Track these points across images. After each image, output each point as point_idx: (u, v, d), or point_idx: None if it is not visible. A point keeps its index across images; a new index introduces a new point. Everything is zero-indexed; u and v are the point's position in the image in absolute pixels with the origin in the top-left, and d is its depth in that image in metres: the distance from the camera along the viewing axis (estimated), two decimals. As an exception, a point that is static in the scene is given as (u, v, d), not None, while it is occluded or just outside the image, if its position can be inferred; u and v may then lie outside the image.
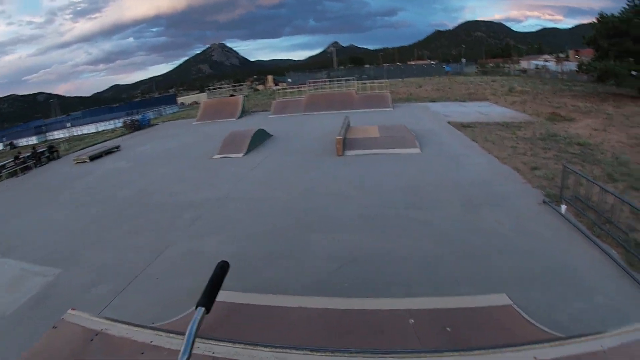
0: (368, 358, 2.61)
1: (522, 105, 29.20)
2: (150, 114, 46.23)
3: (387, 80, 41.98)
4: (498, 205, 10.58)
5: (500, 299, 5.05)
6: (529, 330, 4.17)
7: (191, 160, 19.47)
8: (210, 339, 2.76)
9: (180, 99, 75.24)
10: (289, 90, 43.05)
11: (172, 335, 2.89)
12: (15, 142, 45.43)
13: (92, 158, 22.89)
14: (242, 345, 2.73)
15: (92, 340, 2.94)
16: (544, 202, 10.54)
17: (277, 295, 5.85)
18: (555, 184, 11.54)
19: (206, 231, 10.51)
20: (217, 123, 33.07)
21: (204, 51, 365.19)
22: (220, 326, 4.25)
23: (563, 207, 9.76)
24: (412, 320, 4.36)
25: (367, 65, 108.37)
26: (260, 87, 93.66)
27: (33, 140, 43.54)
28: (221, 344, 2.75)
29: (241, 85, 51.44)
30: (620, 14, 30.34)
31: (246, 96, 40.50)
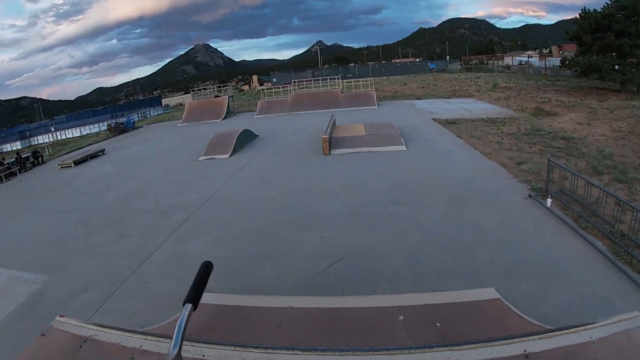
0: (359, 356, 2.59)
1: (506, 101, 29.42)
2: (134, 117, 45.86)
3: (372, 78, 42.05)
4: (484, 201, 10.64)
5: (488, 293, 5.07)
6: (518, 323, 4.19)
7: (177, 162, 19.35)
8: (200, 342, 2.73)
9: (164, 101, 74.51)
10: (274, 90, 42.96)
11: (161, 339, 2.86)
12: (-1, 147, 45.00)
13: (77, 162, 22.62)
14: (232, 347, 2.71)
15: (81, 346, 2.90)
16: (530, 196, 10.61)
17: (266, 296, 5.82)
18: (541, 178, 11.63)
19: (194, 233, 10.44)
20: (203, 124, 32.95)
21: (187, 52, 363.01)
22: (210, 329, 4.22)
23: (549, 201, 9.84)
24: (402, 317, 4.36)
25: (352, 64, 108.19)
26: (246, 87, 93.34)
27: (17, 145, 42.94)
28: (211, 346, 2.72)
29: (226, 85, 51.21)
30: (602, 9, 30.65)
31: (231, 97, 40.29)
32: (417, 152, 16.39)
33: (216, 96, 42.96)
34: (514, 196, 10.85)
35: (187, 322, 1.91)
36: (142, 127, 39.18)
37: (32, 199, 16.56)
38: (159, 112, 55.81)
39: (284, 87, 42.74)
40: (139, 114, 51.22)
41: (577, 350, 2.43)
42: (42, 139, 44.83)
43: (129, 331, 3.00)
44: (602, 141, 16.05)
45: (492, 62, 78.91)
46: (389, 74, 72.74)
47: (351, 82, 39.47)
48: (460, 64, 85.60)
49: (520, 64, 65.32)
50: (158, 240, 10.16)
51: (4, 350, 6.32)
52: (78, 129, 45.40)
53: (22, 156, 24.65)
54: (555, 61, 52.44)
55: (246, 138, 21.65)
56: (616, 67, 28.90)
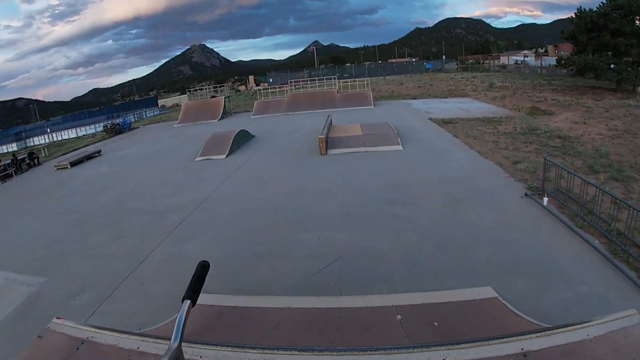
0: (356, 356, 2.59)
1: (502, 100, 29.46)
2: (131, 118, 45.76)
3: (368, 78, 42.07)
4: (481, 200, 10.65)
5: (485, 292, 5.08)
6: (515, 321, 4.20)
7: (173, 163, 19.30)
8: (198, 343, 2.73)
9: (161, 102, 74.37)
10: (271, 90, 42.94)
11: (158, 340, 2.85)
12: (-5, 149, 44.81)
13: (73, 164, 22.52)
14: (229, 348, 2.70)
15: (78, 348, 2.89)
16: (526, 195, 10.63)
17: (263, 296, 5.82)
18: (537, 177, 11.65)
19: (190, 234, 10.41)
20: (199, 125, 32.90)
21: (184, 52, 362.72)
22: (207, 329, 4.22)
23: (545, 200, 9.85)
24: (400, 316, 4.37)
25: (348, 64, 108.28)
26: (242, 87, 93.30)
27: (13, 146, 42.80)
28: (209, 347, 2.72)
29: (222, 86, 51.06)
30: (598, 8, 30.74)
31: (227, 97, 40.26)
32: (413, 151, 16.39)
33: (212, 97, 42.85)
34: (510, 195, 10.86)
35: (186, 317, 1.95)
36: (138, 127, 39.09)
37: (28, 200, 16.50)
38: (155, 113, 55.71)
39: (280, 88, 42.75)
40: (135, 115, 51.11)
41: (575, 348, 2.43)
42: (38, 140, 44.69)
43: (126, 333, 2.99)
44: (598, 140, 16.09)
45: (488, 61, 79.03)
46: (386, 74, 72.75)
47: (347, 82, 39.48)
48: (457, 64, 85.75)
49: (516, 63, 65.47)
50: (155, 241, 10.13)
51: (1, 352, 6.29)
52: (74, 130, 45.26)
53: (18, 157, 24.53)
54: (551, 60, 52.58)
55: (243, 138, 21.62)
56: (612, 66, 28.99)
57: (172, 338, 1.84)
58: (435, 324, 4.25)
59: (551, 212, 9.41)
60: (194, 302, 2.07)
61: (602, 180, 11.18)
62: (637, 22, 29.41)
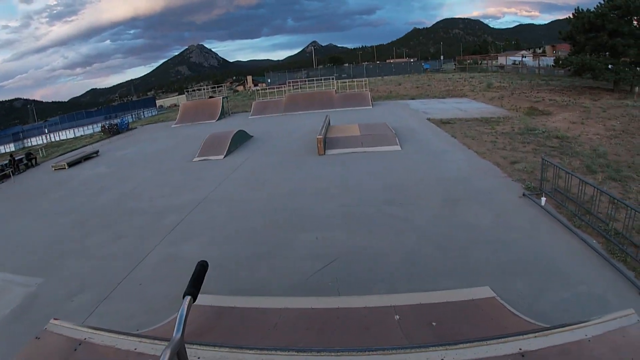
0: (354, 356, 2.59)
1: (500, 100, 29.49)
2: (128, 118, 45.69)
3: (366, 78, 42.08)
4: (479, 200, 10.66)
5: (483, 292, 5.07)
6: (513, 321, 4.19)
7: (171, 163, 19.28)
8: (196, 344, 2.72)
9: (159, 102, 74.25)
10: (269, 90, 42.93)
11: (156, 341, 2.84)
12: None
13: (71, 164, 22.49)
14: (227, 349, 2.70)
15: (75, 349, 2.88)
16: (524, 195, 10.64)
17: (261, 297, 5.82)
18: (535, 177, 11.66)
19: (188, 235, 10.40)
20: (197, 125, 32.89)
21: (182, 53, 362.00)
22: (205, 330, 4.21)
23: (543, 200, 9.86)
24: (398, 317, 4.36)
25: (347, 64, 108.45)
26: (240, 88, 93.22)
27: (11, 147, 42.67)
28: (206, 348, 2.71)
29: (220, 86, 51.02)
30: (595, 9, 30.79)
31: (225, 97, 40.23)
32: (411, 152, 16.40)
33: (210, 97, 42.83)
34: (508, 195, 10.88)
35: (187, 312, 1.98)
36: (136, 128, 39.05)
37: (25, 201, 16.47)
38: (153, 113, 55.66)
39: (278, 88, 42.75)
40: (133, 115, 51.07)
41: (572, 348, 2.43)
42: (36, 141, 44.55)
43: (124, 334, 2.98)
44: (595, 140, 16.11)
45: (486, 62, 79.24)
46: (384, 74, 72.84)
47: (346, 82, 39.51)
48: (455, 64, 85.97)
49: (514, 63, 65.58)
50: (152, 242, 10.11)
51: (-2, 353, 6.28)
52: (72, 131, 45.17)
53: (16, 158, 24.49)
54: (548, 61, 52.71)
55: (241, 139, 21.62)
56: (609, 66, 29.05)
57: (175, 330, 1.86)
58: (434, 324, 4.24)
59: (549, 212, 9.42)
60: (194, 298, 2.09)
61: (599, 180, 11.19)
62: (635, 22, 29.47)
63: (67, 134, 44.81)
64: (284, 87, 41.46)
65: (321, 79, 41.55)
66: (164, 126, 36.67)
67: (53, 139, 43.97)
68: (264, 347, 2.76)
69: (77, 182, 18.37)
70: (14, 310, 7.73)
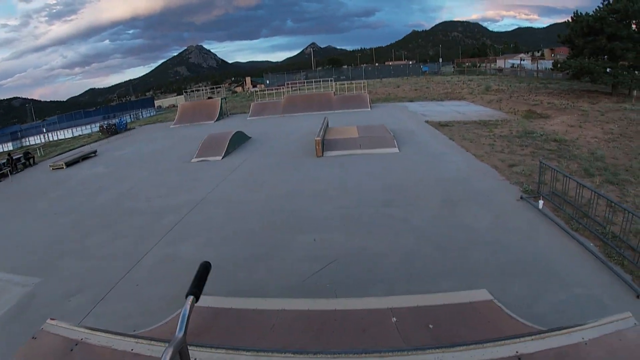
0: (351, 358, 2.59)
1: (498, 103, 29.55)
2: (127, 118, 45.66)
3: (365, 80, 42.12)
4: (477, 202, 10.67)
5: (481, 294, 5.07)
6: (510, 324, 4.20)
7: (169, 164, 19.25)
8: (192, 345, 2.70)
9: (157, 102, 74.20)
10: (267, 92, 42.92)
11: (152, 342, 2.84)
12: (-9, 148, 44.53)
13: (69, 164, 22.41)
14: (223, 350, 2.70)
15: (72, 350, 2.88)
16: (522, 198, 10.65)
17: (259, 298, 5.80)
18: (533, 180, 11.68)
19: (185, 236, 10.39)
20: (195, 126, 32.86)
21: (181, 53, 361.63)
22: (202, 331, 4.20)
23: (540, 203, 9.87)
24: (395, 319, 4.36)
25: (345, 66, 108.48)
26: (239, 89, 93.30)
27: (9, 146, 42.56)
28: (203, 349, 2.71)
29: (219, 87, 50.98)
30: (594, 12, 30.89)
31: (224, 98, 40.20)
32: (409, 154, 16.41)
33: (209, 98, 42.82)
34: (506, 198, 10.89)
35: (190, 311, 1.98)
36: (134, 128, 38.97)
37: (23, 200, 16.42)
38: (152, 114, 55.58)
39: (277, 89, 42.71)
40: (132, 116, 51.01)
41: (569, 351, 2.43)
42: (34, 140, 44.47)
43: (120, 334, 2.98)
44: (593, 143, 16.14)
45: (484, 64, 79.41)
46: (382, 77, 72.92)
47: (344, 84, 39.48)
48: (453, 67, 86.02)
49: (512, 66, 65.77)
50: (150, 243, 10.09)
51: (-6, 353, 6.26)
52: (70, 130, 45.13)
53: (14, 157, 24.38)
54: (547, 64, 52.88)
55: (239, 140, 21.60)
56: (608, 70, 29.12)
57: (177, 329, 1.86)
58: (431, 326, 4.24)
59: (546, 215, 9.44)
60: (197, 298, 2.09)
61: (597, 184, 11.21)
62: (633, 26, 29.57)
63: (65, 134, 44.76)
64: (283, 88, 41.48)
65: (320, 81, 41.63)
66: (163, 126, 36.62)
67: (51, 139, 43.91)
68: (261, 349, 2.76)
69: (75, 181, 18.33)
70: (11, 310, 7.70)
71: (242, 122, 31.42)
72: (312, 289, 7.20)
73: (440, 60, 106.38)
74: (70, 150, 29.84)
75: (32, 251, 10.59)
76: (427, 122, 23.74)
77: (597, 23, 29.81)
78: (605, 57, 30.62)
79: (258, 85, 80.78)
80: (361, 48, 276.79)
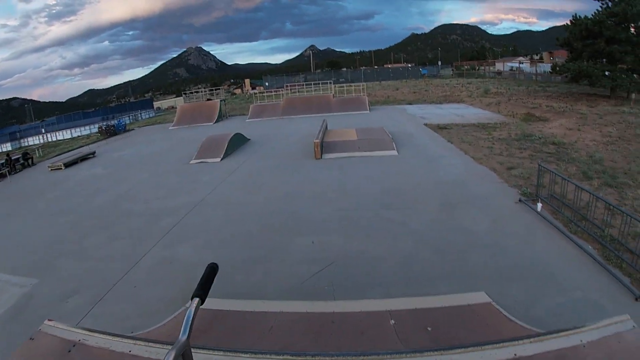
0: (349, 360, 2.59)
1: (497, 106, 29.57)
2: (126, 119, 45.63)
3: (364, 83, 42.14)
4: (475, 205, 10.67)
5: (479, 297, 5.08)
6: (509, 326, 4.19)
7: (168, 165, 19.23)
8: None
9: (156, 104, 74.14)
10: (267, 94, 42.92)
11: (150, 344, 2.84)
12: (-11, 148, 44.45)
13: (67, 165, 22.41)
14: (222, 352, 2.70)
15: (69, 351, 2.87)
16: (520, 200, 10.66)
17: (257, 300, 5.80)
18: (531, 183, 11.69)
19: (183, 238, 10.37)
20: (194, 128, 32.84)
21: (180, 55, 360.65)
22: (200, 333, 4.20)
23: (539, 205, 9.88)
24: (393, 321, 4.36)
25: (344, 69, 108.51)
26: (238, 91, 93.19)
27: (7, 146, 42.48)
28: (201, 351, 2.70)
29: (218, 89, 50.91)
30: (593, 16, 30.91)
31: (223, 100, 40.17)
32: (408, 156, 16.42)
33: (208, 99, 42.77)
34: (504, 201, 10.90)
35: (195, 314, 1.98)
36: (133, 129, 38.93)
37: (21, 201, 16.40)
38: (151, 115, 55.56)
39: (276, 91, 42.70)
40: (131, 117, 50.99)
41: (568, 353, 2.43)
42: (33, 141, 44.42)
43: (118, 336, 2.98)
44: (592, 146, 16.16)
45: (483, 67, 79.39)
46: (381, 79, 72.90)
47: (343, 86, 39.46)
48: (452, 70, 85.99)
49: (511, 69, 65.77)
50: (148, 244, 10.08)
51: (-9, 354, 6.25)
52: (69, 131, 45.10)
53: (12, 158, 24.35)
54: (546, 67, 52.81)
55: (238, 142, 21.59)
56: (606, 73, 29.13)
57: (181, 332, 1.86)
58: (429, 329, 4.24)
59: (545, 218, 9.44)
60: (202, 301, 2.09)
61: (595, 187, 11.22)
62: (632, 29, 29.57)
63: (64, 135, 44.74)
64: (282, 90, 41.48)
65: (319, 83, 41.59)
66: (161, 128, 36.59)
67: (50, 139, 43.87)
68: (259, 351, 2.76)
69: (74, 182, 18.32)
70: (9, 311, 7.69)
71: (241, 124, 31.44)
72: (310, 291, 7.20)
73: (439, 63, 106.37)
74: (69, 151, 29.81)
75: (30, 252, 10.58)
76: (425, 124, 23.75)
77: (595, 26, 29.82)
78: (604, 60, 30.61)
79: (257, 87, 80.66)
80: (360, 51, 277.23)
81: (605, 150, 15.35)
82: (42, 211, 14.30)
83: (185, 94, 47.64)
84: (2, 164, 22.99)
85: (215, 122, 34.86)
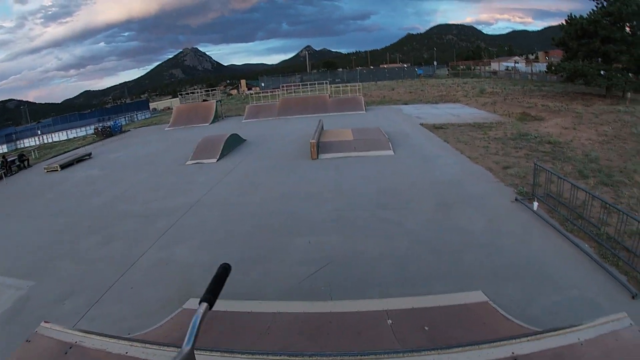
0: (346, 360, 2.58)
1: (493, 106, 29.65)
2: (122, 120, 45.58)
3: (360, 83, 42.19)
4: (471, 204, 10.68)
5: (476, 296, 5.08)
6: (506, 325, 4.20)
7: (164, 166, 19.19)
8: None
9: (152, 105, 74.09)
10: (262, 94, 42.91)
11: (147, 345, 2.83)
12: (-15, 151, 44.32)
13: (63, 166, 22.31)
14: (219, 353, 2.69)
15: (66, 353, 2.86)
16: (516, 199, 10.67)
17: (254, 301, 5.79)
18: (527, 182, 11.70)
19: (180, 238, 10.34)
20: (190, 128, 32.79)
21: (176, 56, 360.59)
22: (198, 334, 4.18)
23: (535, 204, 9.89)
24: (390, 321, 4.36)
25: (340, 69, 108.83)
26: (234, 91, 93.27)
27: (3, 148, 42.37)
28: (197, 352, 2.68)
29: (214, 90, 50.95)
30: (588, 15, 31.03)
31: (219, 101, 40.15)
32: (404, 156, 16.44)
33: (204, 100, 42.71)
34: (500, 200, 10.91)
35: (202, 320, 1.87)
36: (129, 131, 38.83)
37: (17, 202, 16.33)
38: (147, 116, 55.49)
39: (272, 92, 42.76)
40: (127, 118, 50.99)
41: (565, 352, 2.43)
42: (29, 142, 44.31)
43: (115, 337, 2.96)
44: (587, 145, 16.20)
45: (479, 67, 79.73)
46: (377, 79, 73.13)
47: (339, 87, 39.51)
48: (448, 70, 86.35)
49: (507, 69, 66.04)
50: (144, 245, 10.05)
51: (-13, 357, 6.22)
52: (65, 133, 45.04)
53: (8, 159, 24.25)
54: (541, 67, 53.07)
55: (234, 142, 21.57)
56: (602, 72, 29.25)
57: (185, 341, 1.77)
58: (426, 328, 4.24)
59: (541, 217, 9.46)
60: (211, 305, 1.99)
61: (591, 185, 11.25)
62: (627, 29, 29.72)
63: (60, 136, 44.69)
64: (278, 91, 41.49)
65: (315, 84, 41.62)
66: (157, 129, 36.52)
67: (46, 141, 43.79)
68: (256, 352, 2.75)
69: (70, 184, 18.26)
70: (5, 313, 7.66)
71: (237, 124, 31.42)
72: (307, 291, 7.19)
73: (435, 63, 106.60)
74: (65, 152, 29.72)
75: (26, 254, 10.53)
76: (421, 124, 23.80)
77: (591, 26, 29.95)
78: (599, 59, 30.76)
79: (253, 88, 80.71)
80: (356, 51, 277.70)
81: (601, 149, 15.39)
82: (38, 213, 14.25)
83: (181, 94, 47.65)
84: (-2, 166, 22.92)
85: (211, 122, 34.83)
